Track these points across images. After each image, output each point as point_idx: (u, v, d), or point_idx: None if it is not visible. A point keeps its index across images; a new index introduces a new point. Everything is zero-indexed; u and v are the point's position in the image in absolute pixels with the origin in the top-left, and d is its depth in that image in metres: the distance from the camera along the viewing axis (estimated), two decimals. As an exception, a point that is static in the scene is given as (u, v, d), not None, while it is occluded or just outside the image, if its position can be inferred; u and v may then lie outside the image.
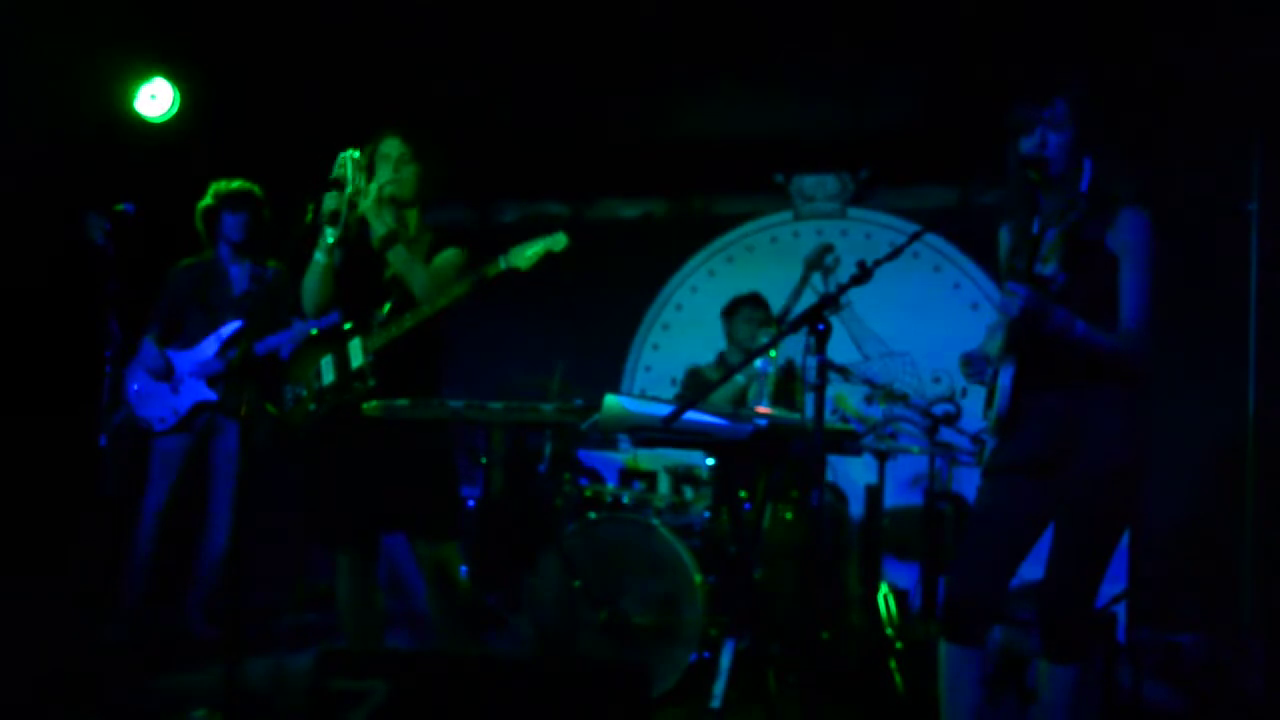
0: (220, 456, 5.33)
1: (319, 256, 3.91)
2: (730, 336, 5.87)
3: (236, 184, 5.35)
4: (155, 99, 5.80)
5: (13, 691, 4.21)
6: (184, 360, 5.29)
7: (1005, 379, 3.19)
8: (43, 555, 5.32)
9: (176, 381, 5.27)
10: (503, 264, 3.76)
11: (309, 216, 3.79)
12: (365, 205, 3.85)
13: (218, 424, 5.33)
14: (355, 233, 3.91)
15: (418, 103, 5.87)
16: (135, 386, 5.32)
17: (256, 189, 5.38)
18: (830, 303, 3.15)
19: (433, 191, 4.06)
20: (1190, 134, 5.52)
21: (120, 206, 4.94)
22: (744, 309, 5.78)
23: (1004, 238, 3.46)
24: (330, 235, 3.84)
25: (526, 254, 3.75)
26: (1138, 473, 3.21)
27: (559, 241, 3.77)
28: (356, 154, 3.86)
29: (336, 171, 3.82)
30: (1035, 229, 3.18)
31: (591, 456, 6.38)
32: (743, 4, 5.35)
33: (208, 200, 5.35)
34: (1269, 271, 5.03)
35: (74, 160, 5.61)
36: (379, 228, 3.85)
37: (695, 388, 5.72)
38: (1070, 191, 3.13)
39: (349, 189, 3.81)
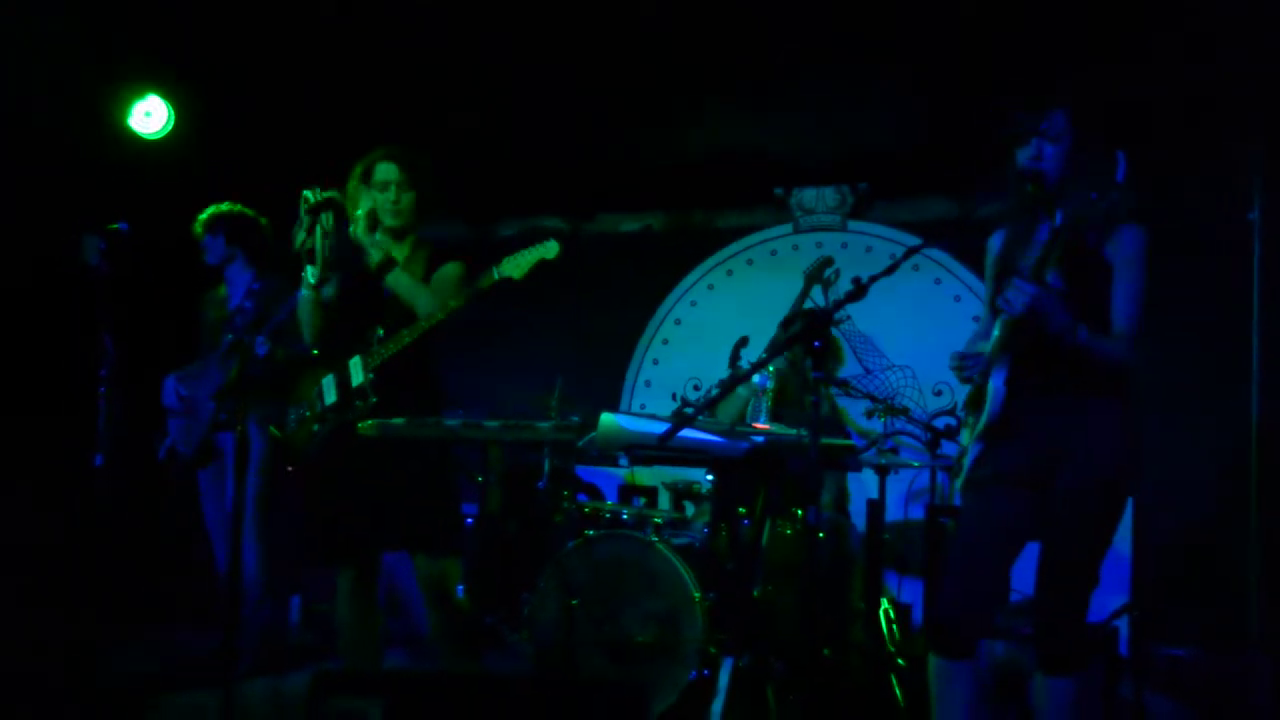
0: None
1: (305, 292, 3.90)
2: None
3: (208, 210, 5.31)
4: (150, 116, 5.78)
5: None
6: (198, 387, 5.27)
7: (997, 381, 3.16)
8: (36, 573, 5.31)
9: (193, 410, 5.26)
10: (496, 274, 3.77)
11: (297, 243, 3.79)
12: (357, 231, 3.84)
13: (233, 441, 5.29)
14: (349, 257, 3.90)
15: (415, 119, 5.86)
16: (171, 420, 5.34)
17: (232, 209, 5.33)
18: (826, 320, 3.13)
19: (430, 214, 4.05)
20: (1191, 145, 5.50)
21: (115, 225, 4.93)
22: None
23: (993, 244, 3.44)
24: (311, 274, 3.83)
25: (519, 263, 3.76)
26: (1126, 483, 3.21)
27: (551, 249, 3.78)
28: (315, 194, 3.82)
29: (303, 207, 3.80)
30: (1059, 222, 3.06)
31: (591, 472, 6.35)
32: (742, 18, 5.34)
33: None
34: (1271, 281, 5.02)
35: (68, 179, 5.60)
36: (374, 253, 3.84)
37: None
38: (1092, 190, 3.01)
39: (329, 220, 3.80)
